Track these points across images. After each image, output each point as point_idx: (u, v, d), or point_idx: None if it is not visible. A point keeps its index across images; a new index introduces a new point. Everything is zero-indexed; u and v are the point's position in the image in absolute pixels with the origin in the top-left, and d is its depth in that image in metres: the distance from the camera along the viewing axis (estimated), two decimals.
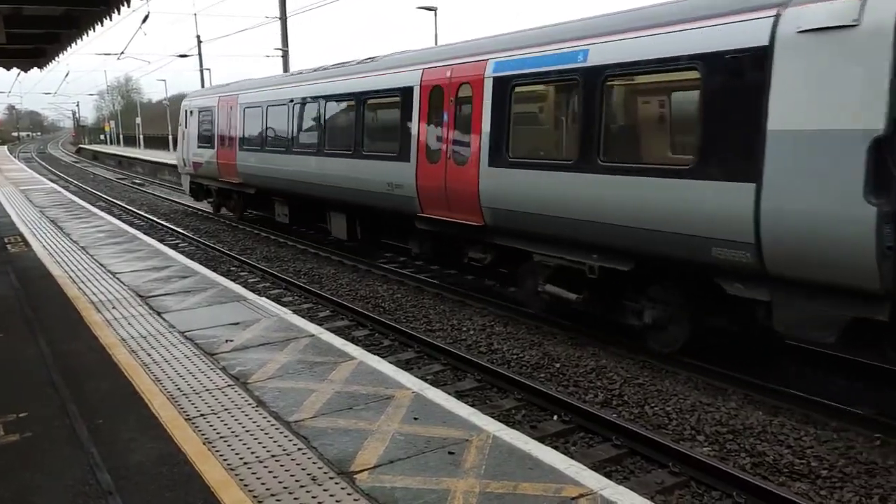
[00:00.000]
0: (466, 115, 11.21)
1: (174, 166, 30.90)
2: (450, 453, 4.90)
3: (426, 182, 12.04)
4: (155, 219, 24.01)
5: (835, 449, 6.47)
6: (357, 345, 8.64)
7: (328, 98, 15.69)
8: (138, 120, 78.86)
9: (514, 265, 11.30)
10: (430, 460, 4.80)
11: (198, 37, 47.92)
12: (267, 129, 18.39)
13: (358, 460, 4.78)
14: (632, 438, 6.76)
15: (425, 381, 7.45)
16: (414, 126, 12.42)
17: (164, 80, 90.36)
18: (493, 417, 5.93)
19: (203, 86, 49.39)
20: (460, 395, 8.04)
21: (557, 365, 9.02)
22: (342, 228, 16.17)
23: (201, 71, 48.04)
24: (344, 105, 15.26)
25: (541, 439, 6.74)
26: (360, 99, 14.35)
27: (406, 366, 9.13)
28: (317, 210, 17.41)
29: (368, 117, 14.41)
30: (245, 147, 19.61)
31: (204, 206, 25.44)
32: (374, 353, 8.79)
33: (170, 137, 65.12)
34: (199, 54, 47.68)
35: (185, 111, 24.24)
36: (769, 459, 6.34)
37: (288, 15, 33.71)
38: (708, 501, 5.80)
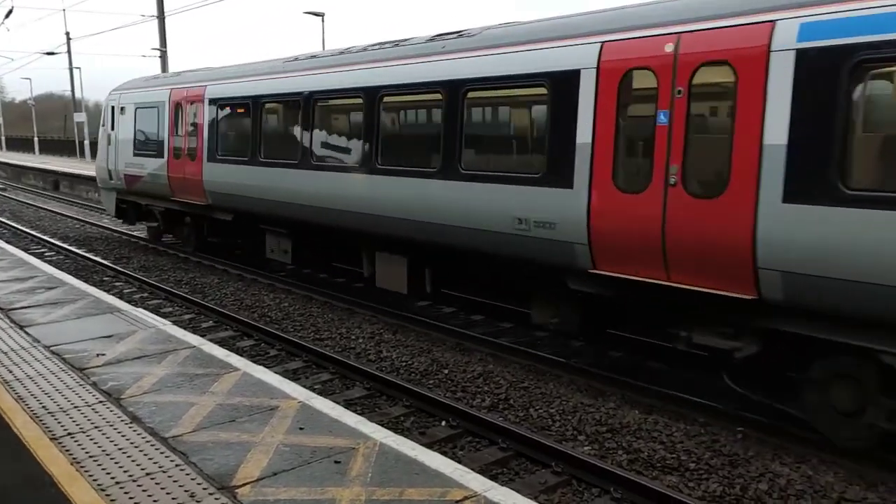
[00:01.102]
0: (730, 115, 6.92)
1: (42, 171, 28.51)
2: (336, 462, 4.86)
3: (612, 222, 7.73)
4: (55, 242, 22.33)
5: (702, 443, 6.88)
6: (241, 355, 8.41)
7: (388, 91, 10.64)
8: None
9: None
10: (315, 470, 4.74)
11: (67, 34, 45.39)
12: (261, 134, 13.46)
13: (240, 474, 4.65)
14: (517, 441, 6.92)
15: (313, 390, 7.35)
16: (583, 129, 8.00)
17: (28, 79, 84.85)
18: (381, 425, 5.93)
19: (74, 86, 46.65)
20: (349, 404, 7.99)
21: (446, 371, 9.12)
22: (398, 277, 11.40)
23: (70, 69, 45.60)
24: (417, 100, 10.75)
25: (429, 445, 6.79)
26: (454, 90, 9.49)
27: (293, 376, 8.98)
28: (343, 247, 13.16)
29: (475, 117, 9.75)
30: (220, 157, 14.40)
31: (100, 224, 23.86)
32: (260, 364, 8.60)
33: (35, 139, 61.19)
34: (69, 51, 45.15)
35: (112, 108, 18.55)
36: (644, 455, 6.65)
37: (166, 14, 32.40)
38: (588, 498, 6.02)
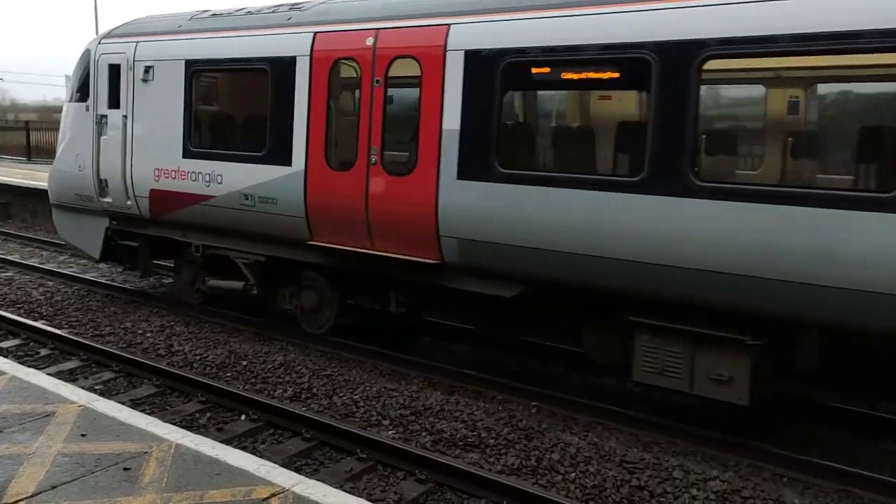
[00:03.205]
0: None
1: None
2: (125, 469, 4.47)
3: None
4: None
5: (500, 419, 7.20)
6: (7, 357, 7.50)
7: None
8: None
9: None
10: (101, 480, 4.33)
11: None
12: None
13: (11, 491, 4.13)
14: (321, 430, 6.82)
15: (94, 391, 6.74)
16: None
17: None
18: (175, 424, 5.57)
19: None
20: (136, 404, 7.42)
21: (245, 363, 8.75)
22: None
23: None
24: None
25: (228, 441, 6.51)
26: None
27: (70, 377, 8.17)
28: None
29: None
30: (509, 172, 7.28)
31: None
32: (30, 366, 7.74)
33: None
34: None
35: (112, 68, 10.71)
36: (447, 435, 6.83)
37: None
38: (394, 482, 6.07)
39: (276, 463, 5.17)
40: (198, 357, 8.95)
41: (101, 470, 4.45)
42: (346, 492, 5.46)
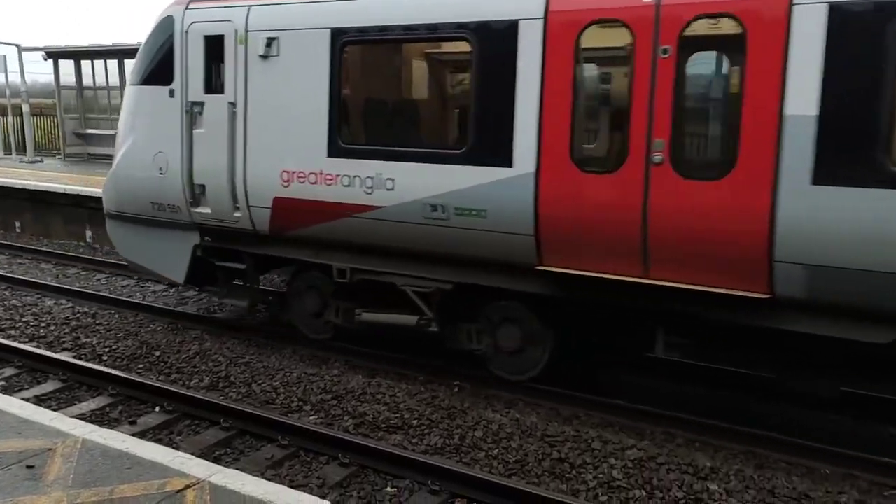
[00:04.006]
0: None
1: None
2: (28, 468, 4.25)
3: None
4: None
5: (423, 400, 7.20)
6: None
7: None
8: None
9: None
10: (2, 479, 4.08)
11: None
12: None
13: None
14: (240, 418, 6.66)
15: None
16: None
17: None
18: (83, 419, 5.31)
19: None
20: (41, 401, 7.07)
21: (157, 353, 8.45)
22: None
23: None
24: None
25: (142, 435, 6.30)
26: None
27: None
28: None
29: None
30: None
31: None
32: None
33: None
34: None
35: (213, 40, 8.21)
36: (369, 418, 6.79)
37: None
38: (316, 467, 5.99)
39: (191, 454, 5.02)
40: (107, 349, 8.58)
41: (1, 469, 4.21)
42: (268, 479, 5.38)
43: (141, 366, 8.13)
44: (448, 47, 7.62)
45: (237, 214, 8.13)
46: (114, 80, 22.38)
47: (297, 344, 8.76)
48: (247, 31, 7.89)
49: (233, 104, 8.00)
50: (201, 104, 8.21)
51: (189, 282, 9.06)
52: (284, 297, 9.14)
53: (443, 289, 7.40)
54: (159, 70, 8.53)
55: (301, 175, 7.63)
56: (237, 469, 5.11)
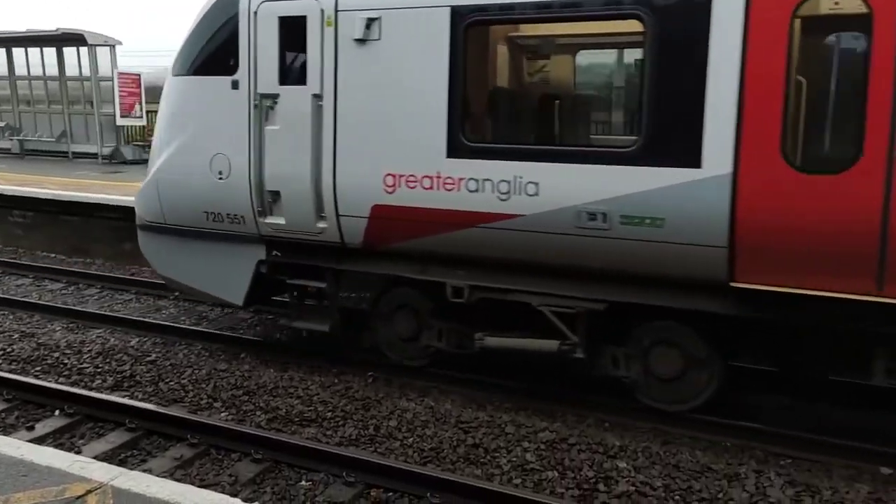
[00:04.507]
0: None
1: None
2: None
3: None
4: None
5: (337, 392, 7.14)
6: None
7: None
8: None
9: None
10: None
11: None
12: None
13: None
14: (146, 418, 6.43)
15: None
16: None
17: None
18: None
19: None
20: None
21: (57, 354, 8.06)
22: None
23: None
24: None
25: (40, 440, 6.03)
26: None
27: None
28: None
29: None
30: None
31: None
32: None
33: None
34: None
35: (305, 20, 6.93)
36: (282, 412, 6.68)
37: None
38: (228, 465, 5.85)
39: (92, 458, 4.82)
40: (0, 352, 8.12)
41: None
42: (176, 480, 5.22)
43: (38, 368, 7.74)
44: (609, 27, 6.50)
45: (321, 225, 7.05)
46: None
47: (207, 340, 8.53)
48: (336, 10, 6.75)
49: (318, 97, 6.88)
50: (275, 97, 7.08)
51: (249, 303, 8.00)
52: (364, 317, 7.93)
53: (594, 309, 6.40)
54: (217, 57, 7.36)
55: (411, 179, 6.54)
56: (143, 471, 4.94)
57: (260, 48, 7.10)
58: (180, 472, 5.70)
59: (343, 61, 6.76)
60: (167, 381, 7.42)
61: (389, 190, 6.64)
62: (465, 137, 6.35)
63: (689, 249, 5.77)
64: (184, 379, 7.45)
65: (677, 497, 5.37)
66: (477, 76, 6.74)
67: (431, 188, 6.47)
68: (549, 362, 6.91)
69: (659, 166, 5.71)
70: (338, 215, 6.92)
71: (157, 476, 4.77)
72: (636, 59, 6.01)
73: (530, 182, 6.11)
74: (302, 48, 6.96)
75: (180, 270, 8.04)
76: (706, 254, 5.72)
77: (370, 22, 6.59)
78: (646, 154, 5.76)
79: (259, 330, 9.11)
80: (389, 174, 6.62)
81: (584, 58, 7.11)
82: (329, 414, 6.66)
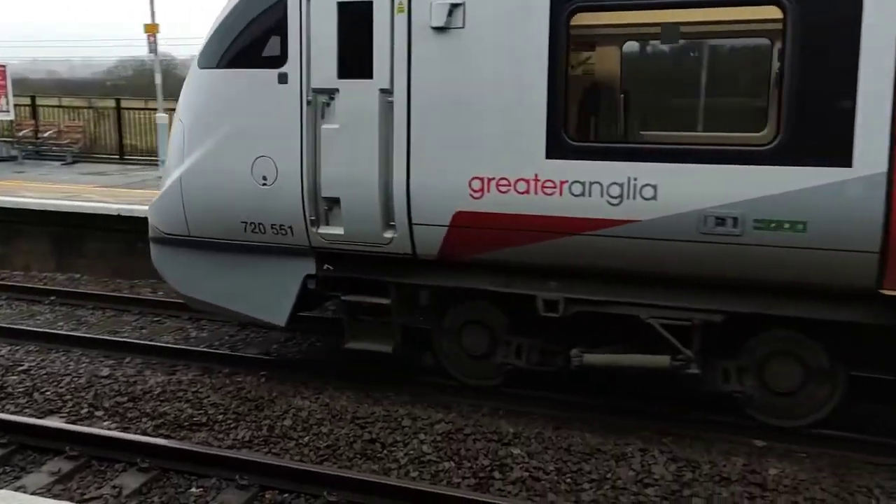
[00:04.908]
0: None
1: None
2: None
3: None
4: None
5: (228, 393, 6.93)
6: None
7: None
8: None
9: None
10: None
11: None
12: None
13: None
14: (18, 432, 6.03)
15: None
16: None
17: None
18: None
19: None
20: None
21: None
22: None
23: None
24: None
25: None
26: None
27: None
28: None
29: None
30: None
31: None
32: None
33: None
34: None
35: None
36: (171, 418, 6.43)
37: None
38: (111, 476, 5.57)
39: None
40: None
41: None
42: (54, 496, 4.94)
43: None
44: (740, 14, 5.99)
45: (389, 235, 6.36)
46: None
47: (86, 346, 8.09)
48: None
49: (387, 92, 6.19)
50: (332, 92, 6.35)
51: (292, 322, 7.08)
52: (425, 334, 7.16)
53: (710, 321, 5.88)
54: (259, 48, 6.57)
55: (503, 182, 5.90)
56: (17, 489, 4.64)
57: (314, 37, 6.35)
58: (59, 488, 5.39)
59: (418, 52, 6.08)
60: (43, 391, 6.99)
61: (476, 195, 6.02)
62: (567, 136, 5.79)
63: (832, 255, 5.32)
64: (61, 388, 7.04)
65: (569, 479, 5.53)
66: (581, 68, 6.17)
67: (527, 192, 5.89)
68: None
69: (801, 165, 5.26)
70: (410, 224, 6.27)
71: (32, 494, 4.51)
72: (775, 49, 5.66)
73: (647, 185, 5.58)
74: (366, 37, 6.22)
75: (208, 288, 7.18)
76: (853, 259, 5.28)
77: (453, 8, 5.92)
78: (785, 152, 5.30)
79: (144, 332, 8.72)
80: (476, 177, 6.00)
81: (711, 47, 6.63)
82: (220, 416, 6.46)
